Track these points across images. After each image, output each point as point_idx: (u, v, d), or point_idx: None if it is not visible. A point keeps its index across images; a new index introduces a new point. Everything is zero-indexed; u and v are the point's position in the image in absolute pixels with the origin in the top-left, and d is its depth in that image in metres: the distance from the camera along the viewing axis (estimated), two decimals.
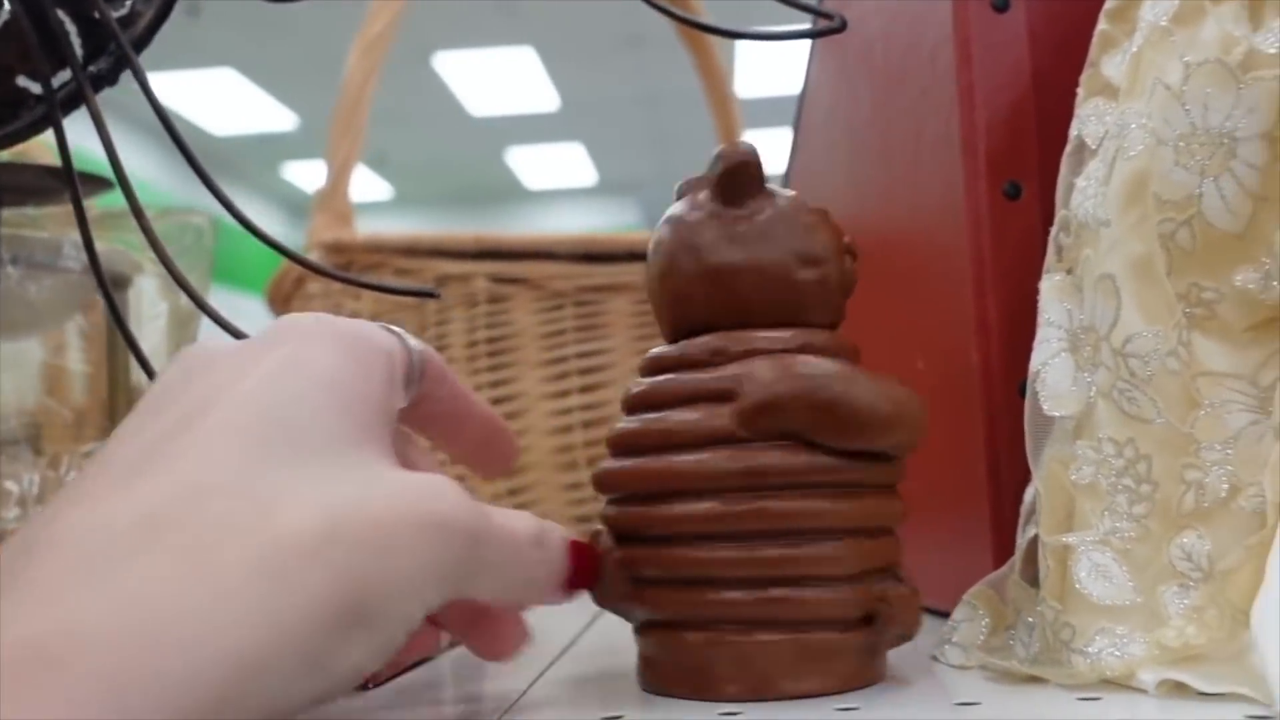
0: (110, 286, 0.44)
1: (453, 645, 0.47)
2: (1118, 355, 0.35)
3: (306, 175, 7.15)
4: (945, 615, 0.38)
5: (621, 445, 0.35)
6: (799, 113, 0.64)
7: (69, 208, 0.49)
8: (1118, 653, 0.32)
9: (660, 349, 0.36)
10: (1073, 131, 0.38)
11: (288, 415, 0.26)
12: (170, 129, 0.40)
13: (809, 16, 0.45)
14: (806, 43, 0.63)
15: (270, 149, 6.60)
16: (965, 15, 0.44)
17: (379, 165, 6.91)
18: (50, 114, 0.43)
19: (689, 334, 0.35)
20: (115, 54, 0.44)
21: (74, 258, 0.53)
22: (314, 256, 0.86)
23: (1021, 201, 0.43)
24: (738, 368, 0.33)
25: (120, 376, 0.57)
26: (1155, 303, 0.35)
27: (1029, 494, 0.38)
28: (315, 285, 0.86)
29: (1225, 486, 0.33)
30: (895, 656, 0.37)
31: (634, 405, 0.35)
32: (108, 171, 0.46)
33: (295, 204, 7.16)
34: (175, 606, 0.21)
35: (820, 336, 0.35)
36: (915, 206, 0.48)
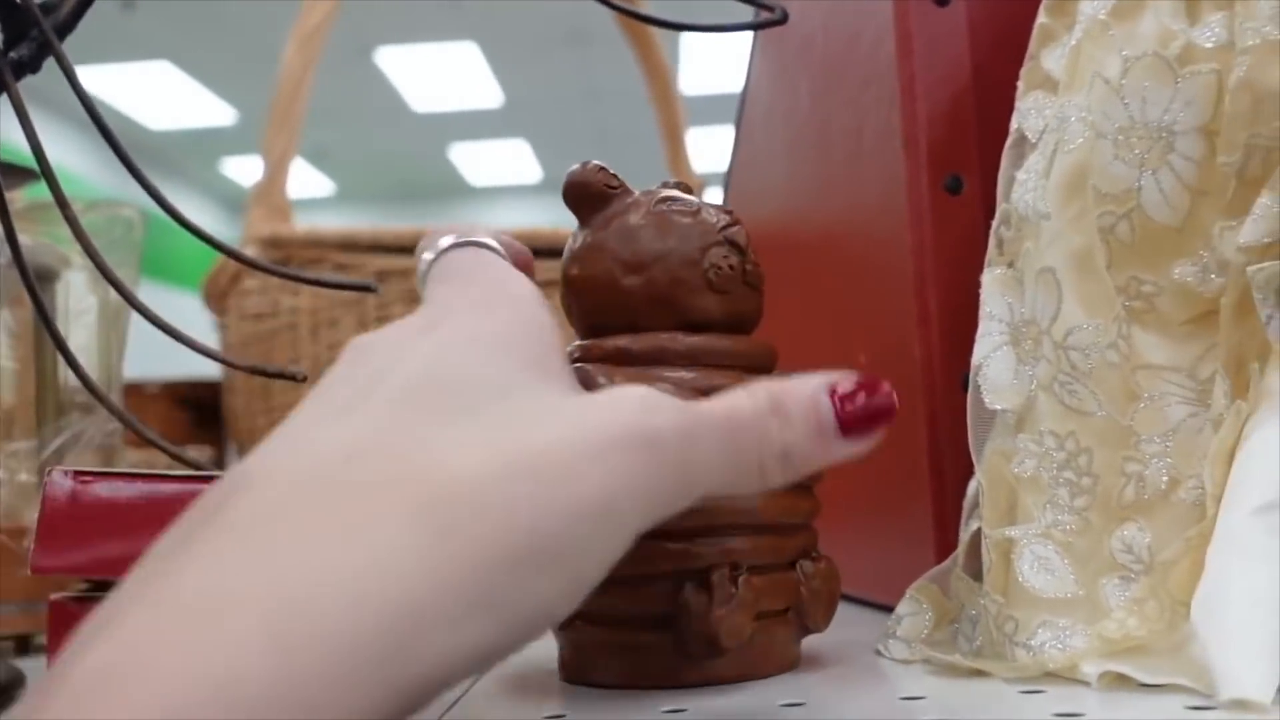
0: (36, 281, 0.43)
1: None
2: (1058, 348, 0.35)
3: (246, 171, 7.06)
4: (888, 609, 0.38)
5: None
6: (740, 109, 0.64)
7: None
8: (1060, 645, 0.32)
9: None
10: (1013, 125, 0.38)
11: (451, 376, 0.25)
12: (95, 117, 0.39)
13: (751, 9, 0.45)
14: (750, 38, 0.63)
15: (208, 144, 6.51)
16: (906, 9, 0.44)
17: (320, 161, 6.84)
18: None
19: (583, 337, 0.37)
20: (38, 40, 0.43)
21: None
22: (251, 251, 0.84)
23: (963, 195, 0.43)
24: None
25: (49, 374, 0.56)
26: (1095, 296, 0.35)
27: (972, 487, 0.38)
28: (252, 281, 0.85)
29: (1165, 479, 0.33)
30: (839, 650, 0.37)
31: None
32: (32, 162, 0.44)
33: (234, 200, 7.07)
34: (332, 563, 0.20)
35: (649, 340, 0.34)
36: (856, 201, 0.48)
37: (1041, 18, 0.39)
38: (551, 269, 0.81)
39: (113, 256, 0.52)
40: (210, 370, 1.01)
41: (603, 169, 0.37)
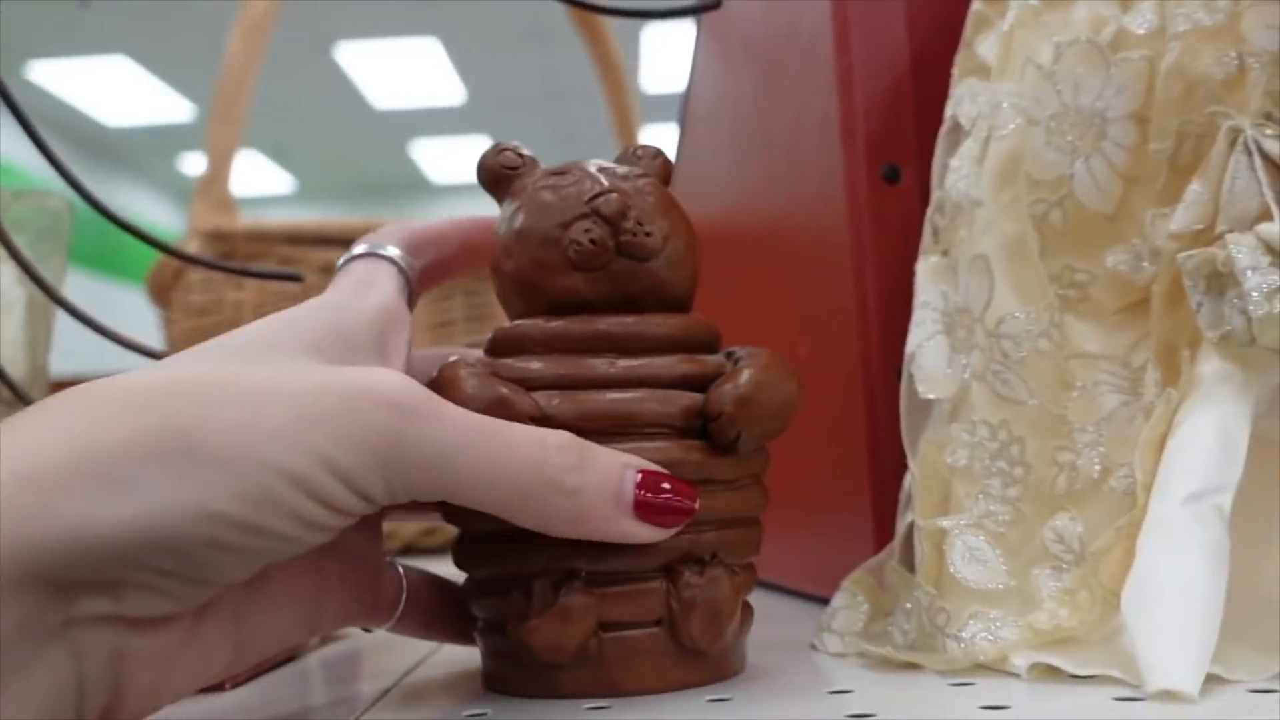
0: None
1: (323, 643, 0.45)
2: (991, 336, 0.34)
3: (203, 167, 6.99)
4: (825, 601, 0.37)
5: None
6: (684, 104, 0.63)
7: None
8: (990, 637, 0.31)
9: None
10: (948, 112, 0.38)
11: (240, 335, 0.29)
12: (7, 98, 0.38)
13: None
14: (694, 33, 0.62)
15: (166, 139, 6.44)
16: (844, 0, 0.43)
17: (281, 157, 6.78)
18: None
19: None
20: None
21: None
22: (194, 245, 0.83)
23: (901, 185, 0.42)
24: None
25: None
26: (1028, 284, 0.34)
27: (908, 479, 0.37)
28: (196, 276, 0.83)
29: (1097, 468, 0.33)
30: (773, 645, 0.37)
31: None
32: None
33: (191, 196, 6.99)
34: (9, 441, 0.24)
35: (513, 330, 0.33)
36: (795, 192, 0.47)
37: (976, 4, 0.38)
38: None
39: (40, 247, 0.51)
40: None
41: (505, 150, 0.35)
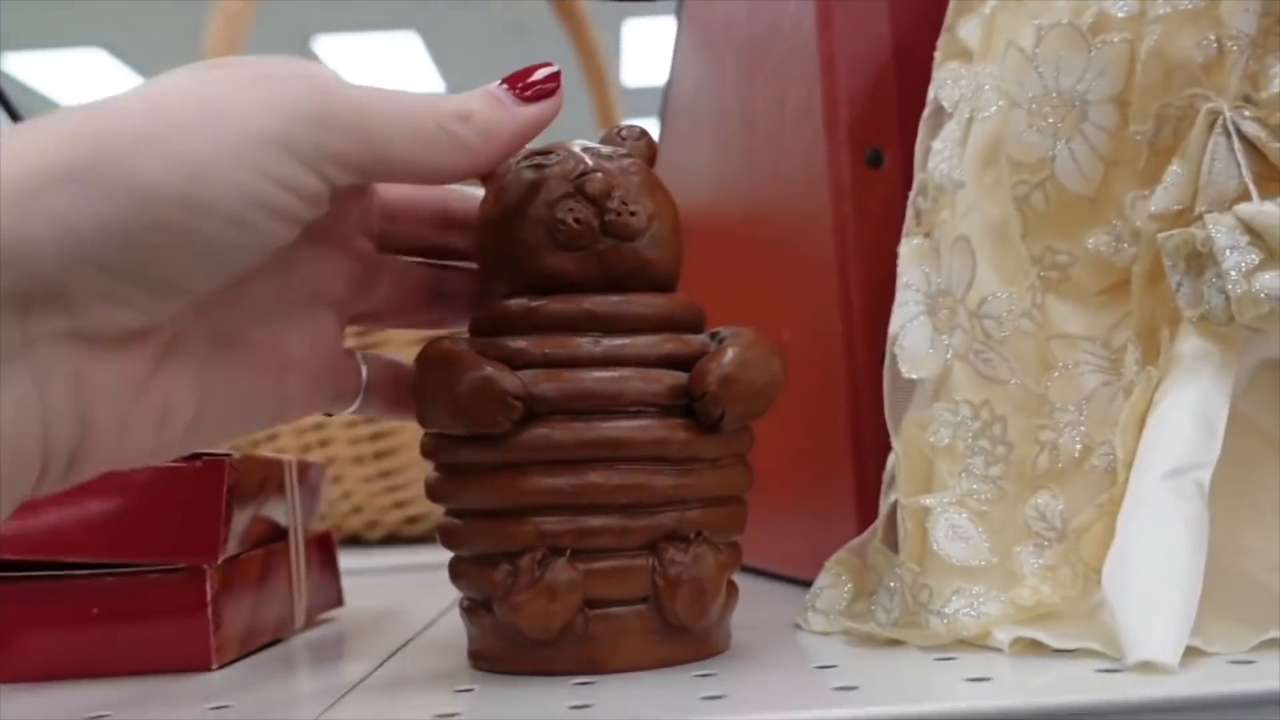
0: None
1: (307, 626, 0.45)
2: (973, 317, 0.35)
3: None
4: (809, 584, 0.38)
5: None
6: (666, 93, 0.63)
7: None
8: (973, 612, 0.32)
9: None
10: (930, 95, 0.38)
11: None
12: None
13: None
14: (675, 22, 0.62)
15: None
16: None
17: None
18: None
19: None
20: None
21: None
22: None
23: (883, 169, 0.42)
24: None
25: None
26: (1010, 265, 0.35)
27: (892, 460, 0.38)
28: None
29: (1078, 447, 0.33)
30: (757, 625, 0.37)
31: None
32: None
33: None
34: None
35: (496, 308, 0.33)
36: (778, 177, 0.48)
37: None
38: None
39: None
40: None
41: None
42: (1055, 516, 0.33)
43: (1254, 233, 0.30)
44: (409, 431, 0.78)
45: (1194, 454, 0.30)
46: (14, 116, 0.37)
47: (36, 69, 5.08)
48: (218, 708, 0.31)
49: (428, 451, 0.34)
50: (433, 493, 0.34)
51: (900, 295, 0.36)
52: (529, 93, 0.32)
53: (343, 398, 0.35)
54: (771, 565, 0.49)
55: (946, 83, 0.37)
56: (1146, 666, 0.27)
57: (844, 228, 0.42)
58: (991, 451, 0.34)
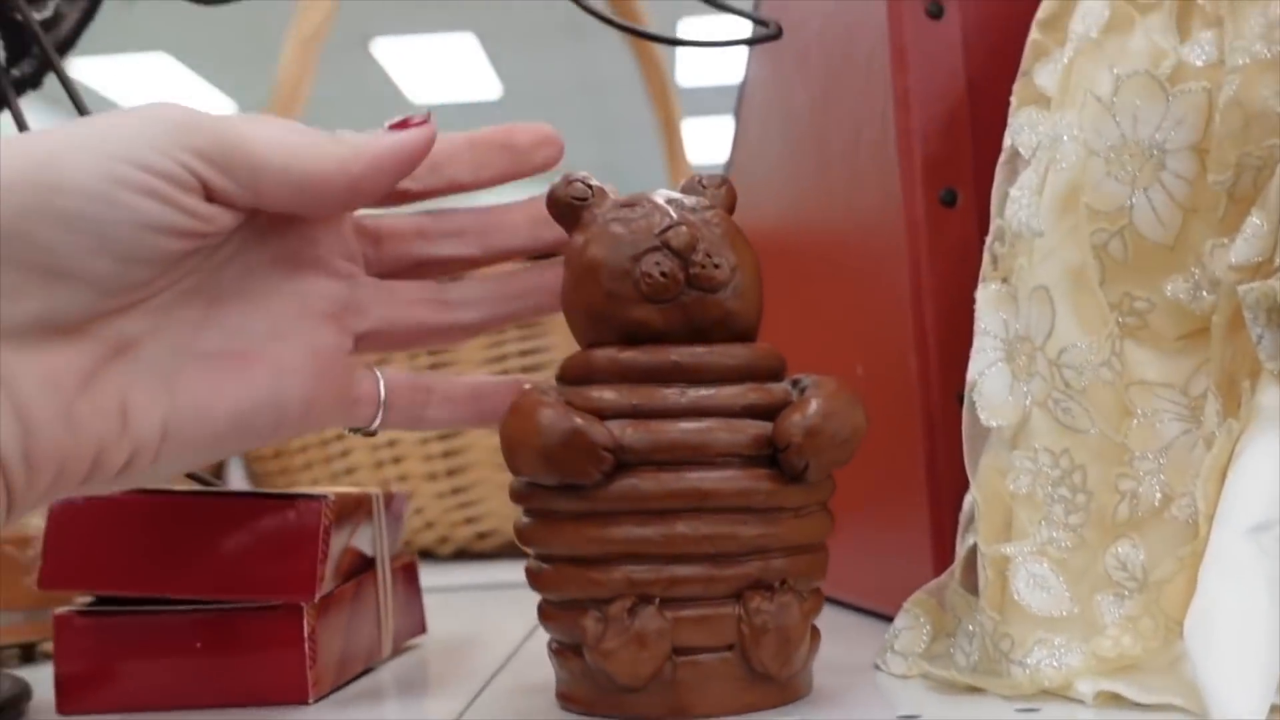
0: None
1: (394, 654, 0.47)
2: (1053, 366, 0.35)
3: None
4: (884, 617, 0.38)
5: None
6: (738, 105, 0.64)
7: None
8: (1055, 663, 0.32)
9: None
10: (1006, 141, 0.38)
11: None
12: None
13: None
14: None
15: None
16: (900, 21, 0.44)
17: None
18: None
19: None
20: (39, 57, 0.43)
21: None
22: None
23: (957, 208, 0.43)
24: None
25: None
26: (1089, 313, 0.35)
27: (968, 501, 0.38)
28: None
29: (1158, 496, 0.34)
30: (837, 665, 0.38)
31: None
32: None
33: None
34: None
35: (581, 357, 0.35)
36: (852, 211, 0.48)
37: (1034, 34, 0.39)
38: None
39: None
40: None
41: (574, 181, 0.36)
42: (1136, 566, 0.33)
43: None
44: (481, 449, 0.79)
45: (1277, 509, 0.30)
46: (81, 111, 0.39)
47: (101, 73, 5.18)
48: None
49: (517, 497, 0.35)
50: (522, 537, 0.35)
51: (978, 341, 0.37)
52: (399, 125, 0.34)
53: (357, 412, 0.36)
54: (845, 596, 0.50)
55: (1023, 129, 0.38)
56: None
57: (919, 266, 0.43)
58: (1071, 500, 0.34)
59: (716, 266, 0.34)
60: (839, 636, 0.43)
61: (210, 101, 5.82)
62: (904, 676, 0.36)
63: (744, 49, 0.62)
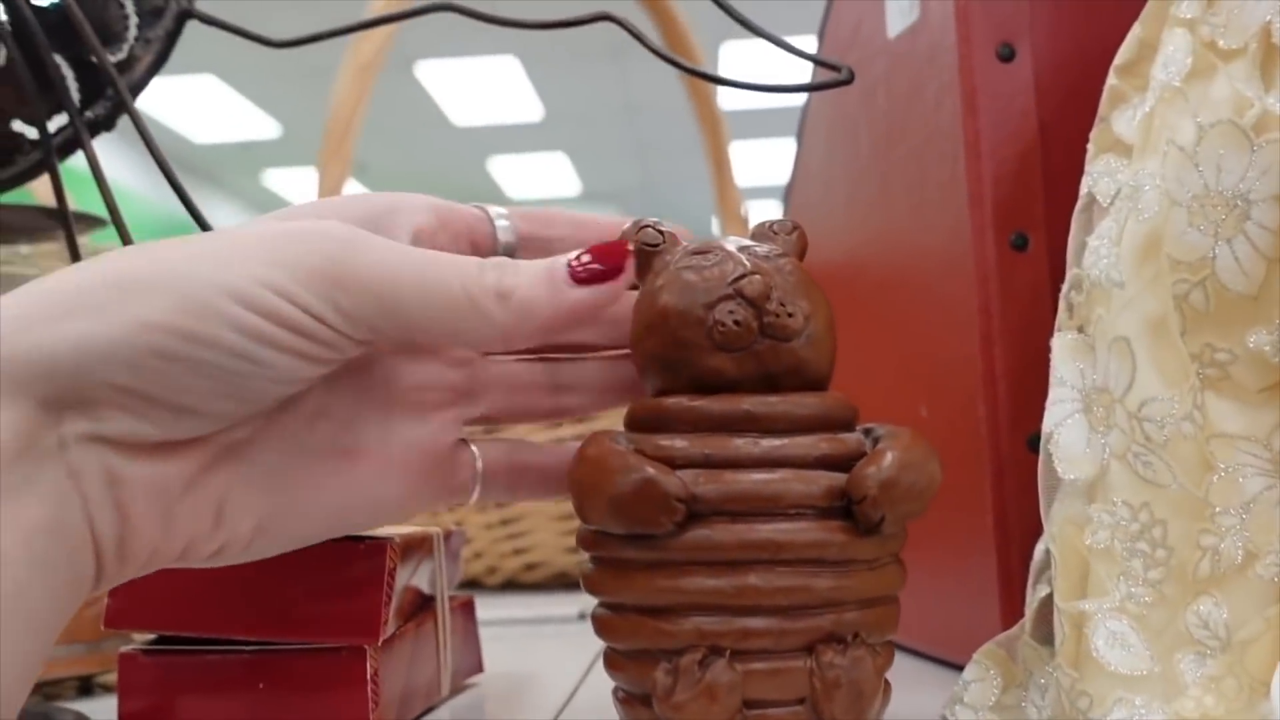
0: None
1: (454, 693, 0.46)
2: (1133, 418, 0.34)
3: (288, 183, 7.12)
4: (950, 664, 0.38)
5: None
6: (800, 134, 0.64)
7: (62, 244, 0.48)
8: None
9: None
10: (1083, 188, 0.38)
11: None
12: (168, 174, 0.40)
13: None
14: (795, 59, 0.63)
15: (252, 156, 6.57)
16: (970, 64, 0.44)
17: (360, 174, 6.88)
18: (46, 159, 0.42)
19: None
20: (113, 99, 0.43)
21: None
22: None
23: (1029, 253, 0.42)
24: None
25: None
26: (1170, 365, 0.34)
27: (1039, 551, 0.38)
28: None
29: (1241, 553, 0.33)
30: (905, 713, 0.37)
31: None
32: (99, 205, 0.45)
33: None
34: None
35: (654, 404, 0.34)
36: (919, 253, 0.48)
37: (1112, 79, 0.38)
38: None
39: None
40: None
41: (646, 227, 0.35)
42: (1219, 625, 0.32)
43: None
44: None
45: None
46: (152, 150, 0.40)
47: (150, 95, 5.25)
48: None
49: (586, 544, 0.34)
50: (590, 585, 0.34)
51: (1054, 392, 0.36)
52: (584, 274, 0.32)
53: (457, 493, 0.35)
54: (910, 642, 0.49)
55: (1101, 177, 0.37)
56: None
57: (989, 310, 0.43)
58: (1151, 555, 0.34)
59: (790, 315, 0.33)
60: (904, 684, 0.43)
61: (257, 124, 5.89)
62: None
63: (807, 61, 0.62)
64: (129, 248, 0.29)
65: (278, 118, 5.86)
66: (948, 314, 0.45)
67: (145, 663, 0.39)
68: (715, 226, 1.23)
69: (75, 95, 0.42)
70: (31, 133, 0.42)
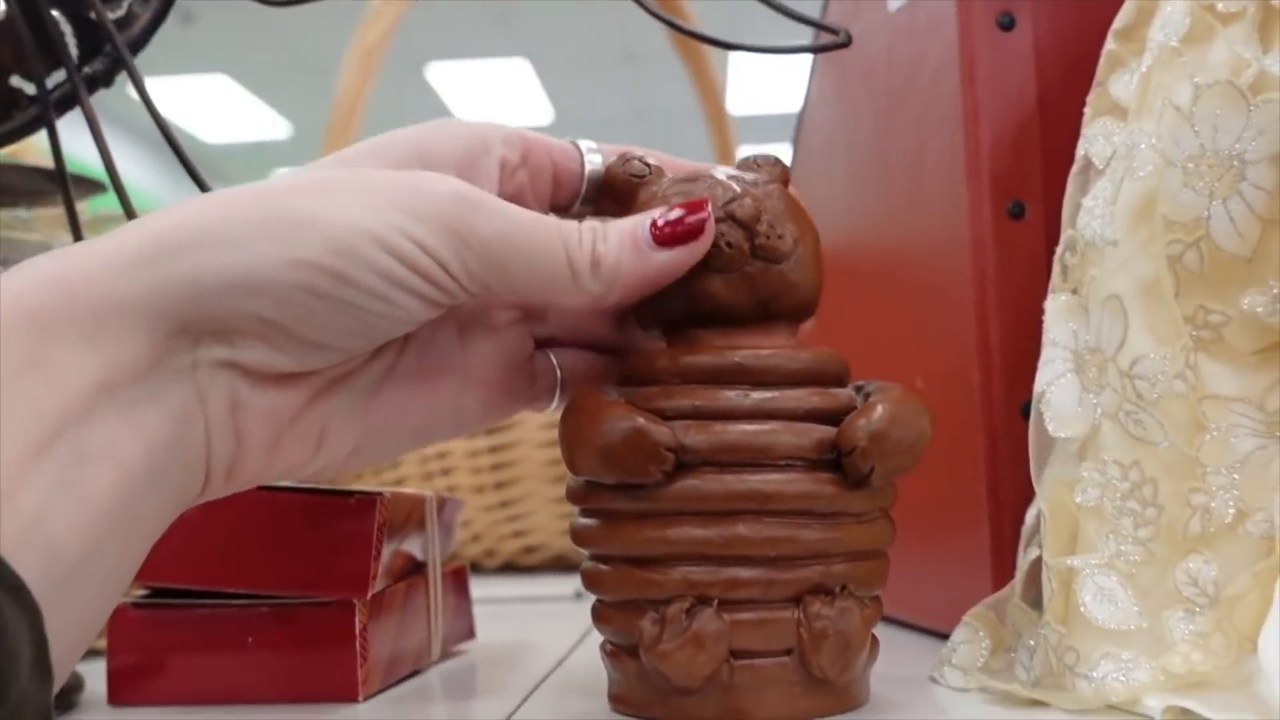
0: None
1: (443, 658, 0.46)
2: (1125, 377, 0.34)
3: None
4: (943, 636, 0.38)
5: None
6: (798, 129, 0.64)
7: (61, 210, 0.48)
8: (1122, 678, 0.31)
9: None
10: (1079, 151, 0.38)
11: (321, 162, 0.33)
12: (165, 130, 0.40)
13: (811, 30, 0.45)
14: (806, 59, 0.63)
15: (263, 156, 6.59)
16: (970, 34, 0.43)
17: None
18: (44, 115, 0.42)
19: None
20: (111, 55, 0.43)
21: None
22: None
23: (1025, 221, 0.42)
24: None
25: None
26: (1163, 324, 0.34)
27: (1030, 515, 0.38)
28: None
29: (1231, 511, 0.33)
30: (892, 678, 0.37)
31: None
32: (99, 174, 0.45)
33: None
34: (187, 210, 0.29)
35: (640, 359, 0.34)
36: (917, 225, 0.48)
37: (1110, 44, 0.38)
38: None
39: None
40: None
41: (631, 159, 0.36)
42: (1207, 582, 0.32)
43: None
44: (530, 462, 0.79)
45: None
46: (168, 139, 0.39)
47: (161, 94, 5.28)
48: None
49: (575, 497, 0.34)
50: (579, 538, 0.34)
51: (1047, 352, 0.36)
52: (669, 235, 0.32)
53: (537, 399, 0.37)
54: (902, 614, 0.49)
55: (1097, 139, 0.37)
56: None
57: (984, 279, 0.42)
58: (1141, 513, 0.34)
59: (780, 237, 0.34)
60: (896, 652, 0.43)
61: (269, 124, 5.91)
62: (962, 690, 0.35)
63: (808, 65, 0.62)
64: (240, 188, 0.30)
65: (289, 118, 5.87)
66: (944, 284, 0.45)
67: (134, 617, 0.39)
68: None
69: (74, 51, 0.42)
70: (29, 88, 0.42)
